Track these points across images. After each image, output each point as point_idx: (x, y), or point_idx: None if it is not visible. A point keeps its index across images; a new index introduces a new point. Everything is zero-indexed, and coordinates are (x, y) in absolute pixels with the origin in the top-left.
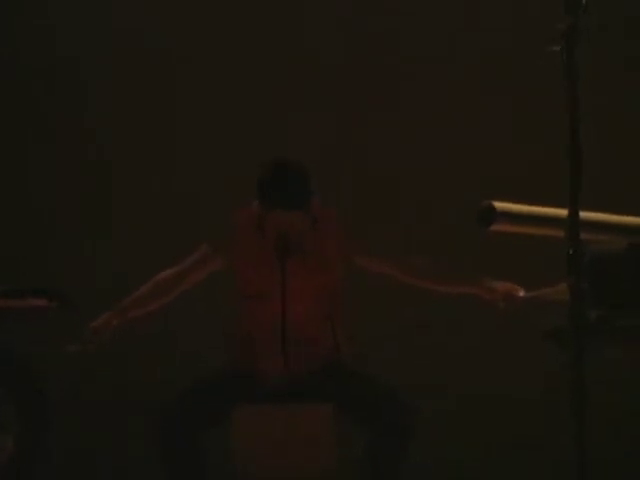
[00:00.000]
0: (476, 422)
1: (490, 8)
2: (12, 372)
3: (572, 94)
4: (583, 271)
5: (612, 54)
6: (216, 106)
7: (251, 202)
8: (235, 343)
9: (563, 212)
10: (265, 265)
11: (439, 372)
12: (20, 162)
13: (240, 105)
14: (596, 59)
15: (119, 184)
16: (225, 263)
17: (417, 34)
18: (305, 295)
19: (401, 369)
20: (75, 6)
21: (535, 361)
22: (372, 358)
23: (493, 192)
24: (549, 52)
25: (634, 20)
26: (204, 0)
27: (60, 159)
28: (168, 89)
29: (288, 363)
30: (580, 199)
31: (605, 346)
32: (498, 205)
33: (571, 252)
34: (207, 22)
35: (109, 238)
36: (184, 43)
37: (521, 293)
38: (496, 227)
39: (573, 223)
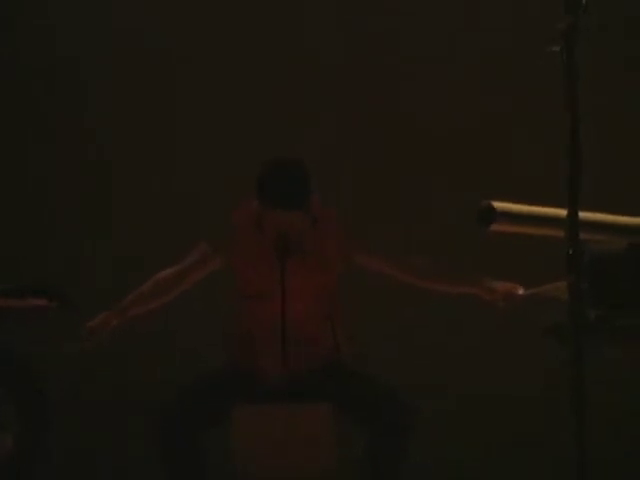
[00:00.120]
0: (476, 421)
1: (490, 8)
2: (12, 372)
3: (572, 94)
4: (583, 271)
5: (612, 54)
6: (216, 106)
7: (251, 200)
8: (234, 342)
9: (563, 212)
10: (265, 264)
11: (439, 372)
12: (20, 162)
13: (240, 105)
14: (596, 59)
15: (119, 184)
16: (224, 262)
17: (417, 34)
18: (305, 294)
19: (401, 369)
20: (75, 6)
21: (535, 361)
22: (372, 358)
23: (493, 192)
24: (549, 52)
25: (634, 20)
26: (204, 0)
27: (60, 159)
28: (168, 89)
29: (288, 362)
30: (580, 199)
31: (605, 346)
32: (498, 205)
33: (571, 252)
34: (207, 22)
35: (109, 238)
36: (184, 43)
37: (520, 291)
38: (496, 227)
39: (573, 223)
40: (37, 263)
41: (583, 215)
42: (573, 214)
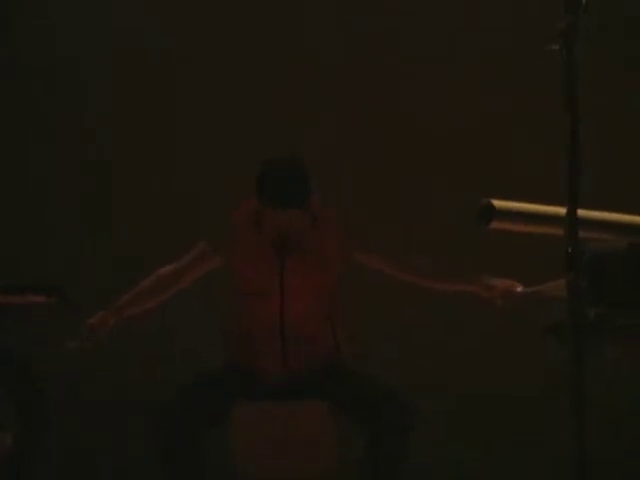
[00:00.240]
0: (476, 421)
1: (490, 8)
2: (12, 372)
3: (572, 94)
4: (582, 270)
5: (612, 54)
6: (216, 106)
7: (251, 198)
8: (233, 340)
9: (562, 210)
10: (264, 263)
11: (439, 372)
12: (20, 162)
13: (240, 105)
14: (596, 59)
15: (119, 184)
16: (224, 261)
17: (417, 34)
18: (304, 293)
19: (401, 369)
20: (75, 6)
21: (535, 360)
22: (372, 358)
23: (493, 192)
24: (549, 51)
25: (634, 20)
26: (204, 0)
27: (60, 159)
28: (168, 89)
29: (287, 361)
30: (580, 199)
31: (604, 345)
32: (497, 203)
33: (570, 250)
34: (207, 22)
35: (109, 238)
36: (184, 43)
37: (519, 289)
38: (495, 225)
39: (572, 221)
40: (37, 263)
41: (583, 213)
42: (572, 212)
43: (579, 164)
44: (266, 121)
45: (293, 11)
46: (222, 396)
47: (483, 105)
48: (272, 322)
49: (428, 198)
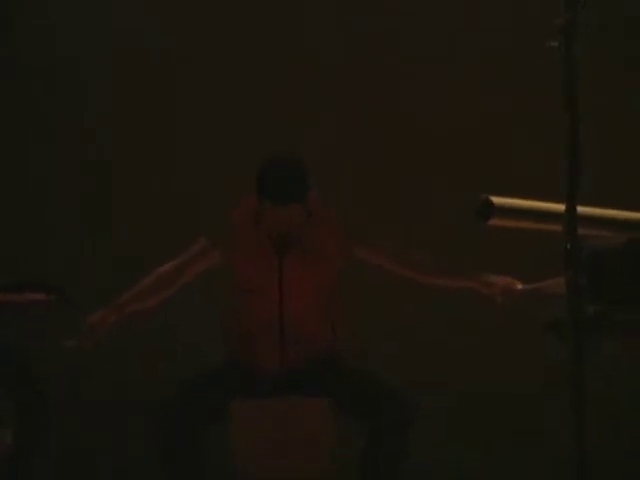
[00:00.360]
0: (476, 418)
1: (490, 8)
2: (11, 372)
3: (571, 90)
4: (581, 266)
5: (612, 54)
6: (216, 106)
7: (250, 196)
8: (233, 337)
9: (561, 207)
10: (263, 260)
11: (439, 369)
12: (20, 162)
13: (240, 105)
14: (596, 59)
15: (119, 184)
16: (223, 257)
17: (417, 34)
18: (304, 290)
19: (401, 366)
20: (75, 6)
21: (534, 357)
22: (372, 355)
23: (493, 192)
24: (548, 47)
25: (634, 20)
26: (204, 0)
27: (60, 159)
28: (168, 89)
29: (286, 358)
30: (580, 199)
31: (603, 341)
32: (496, 200)
33: (569, 247)
34: (207, 22)
35: (109, 238)
36: (184, 43)
37: (519, 286)
38: (494, 222)
39: (571, 218)
40: (37, 263)
41: (581, 210)
42: (571, 209)
43: (579, 164)
44: (266, 121)
45: (293, 11)
46: (222, 392)
47: (483, 105)
48: (271, 319)
49: (428, 198)
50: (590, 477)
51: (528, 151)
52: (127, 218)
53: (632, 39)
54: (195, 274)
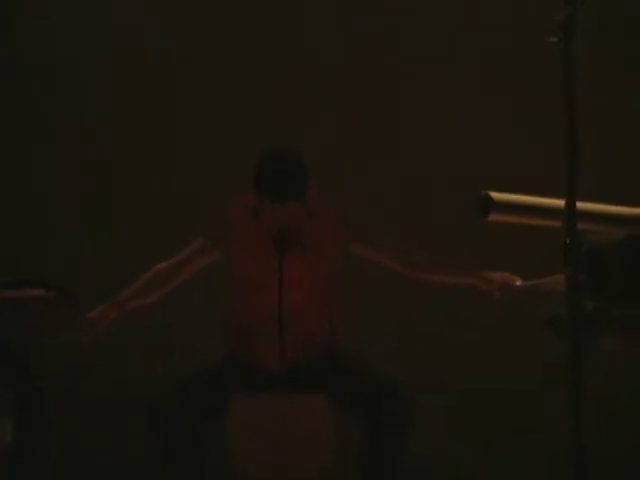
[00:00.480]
0: (474, 414)
1: (490, 8)
2: (11, 369)
3: (570, 87)
4: (580, 262)
5: (612, 54)
6: (216, 106)
7: (248, 192)
8: (232, 333)
9: (560, 202)
10: (262, 256)
11: (437, 365)
12: (20, 162)
13: (240, 105)
14: (596, 59)
15: (119, 184)
16: (223, 255)
17: (417, 34)
18: (303, 286)
19: (400, 362)
20: (75, 6)
21: (533, 353)
22: (371, 351)
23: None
24: (547, 45)
25: (634, 20)
26: (204, 0)
27: (60, 159)
28: (168, 89)
29: (286, 353)
30: (579, 198)
31: (602, 337)
32: (495, 195)
33: (568, 242)
34: (207, 22)
35: (109, 238)
36: (184, 43)
37: (518, 282)
38: (493, 217)
39: (570, 213)
40: (37, 263)
41: (580, 206)
42: (570, 204)
43: (578, 164)
44: (266, 121)
45: (293, 11)
46: (221, 389)
47: (483, 105)
48: (270, 315)
49: (428, 198)
50: (589, 473)
51: (528, 151)
52: (127, 218)
53: (632, 39)
54: (193, 272)
